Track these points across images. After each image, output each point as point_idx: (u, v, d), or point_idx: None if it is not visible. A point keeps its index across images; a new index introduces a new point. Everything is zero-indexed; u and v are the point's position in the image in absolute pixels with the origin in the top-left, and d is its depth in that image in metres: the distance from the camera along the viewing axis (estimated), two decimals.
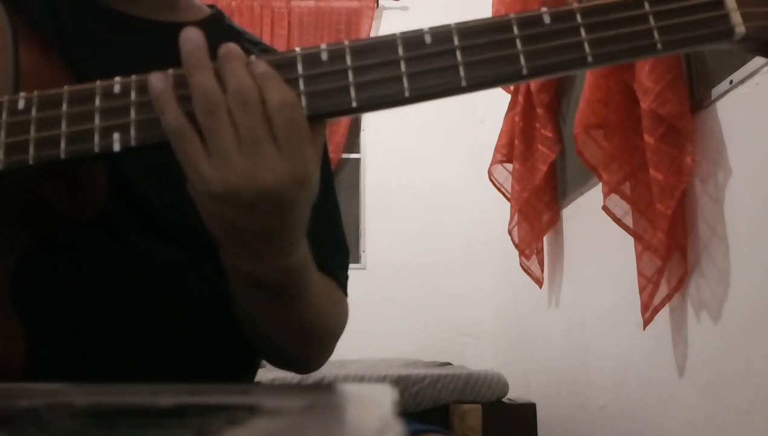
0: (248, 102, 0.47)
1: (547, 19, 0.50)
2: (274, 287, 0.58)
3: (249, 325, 0.66)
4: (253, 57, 0.49)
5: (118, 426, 0.26)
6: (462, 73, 0.49)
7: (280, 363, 0.74)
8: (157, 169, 0.64)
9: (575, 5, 0.50)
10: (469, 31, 0.50)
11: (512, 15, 0.50)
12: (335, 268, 0.72)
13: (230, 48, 0.49)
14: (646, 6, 0.50)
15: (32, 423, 0.26)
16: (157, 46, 0.69)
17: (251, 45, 0.76)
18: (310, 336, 0.68)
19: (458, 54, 0.49)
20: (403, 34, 0.50)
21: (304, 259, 0.57)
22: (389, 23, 3.59)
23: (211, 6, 0.79)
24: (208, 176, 0.47)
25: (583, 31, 0.49)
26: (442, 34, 0.50)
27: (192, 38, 0.48)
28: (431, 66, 0.49)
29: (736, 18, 0.49)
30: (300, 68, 0.49)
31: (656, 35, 0.49)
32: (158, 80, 0.48)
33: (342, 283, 0.74)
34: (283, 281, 0.57)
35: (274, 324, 0.64)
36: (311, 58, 0.50)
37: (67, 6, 0.68)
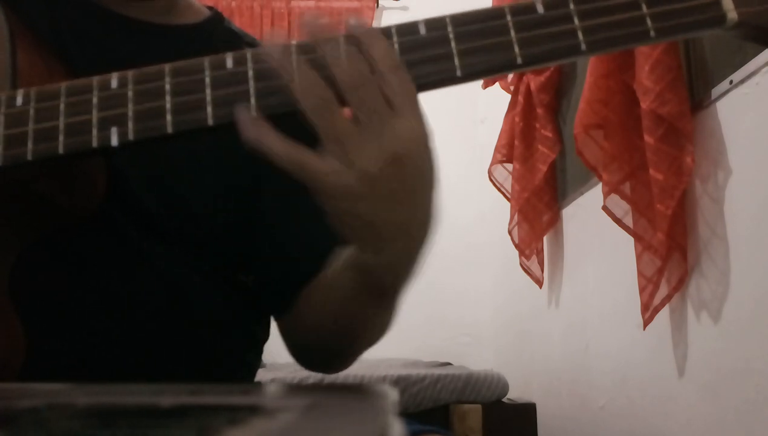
0: (368, 79, 0.47)
1: (540, 8, 0.50)
2: (391, 295, 0.58)
3: (326, 327, 0.65)
4: (248, 51, 0.50)
5: (119, 426, 0.26)
6: (456, 61, 0.49)
7: (321, 365, 0.74)
8: (153, 168, 0.64)
9: None
10: (463, 20, 0.50)
11: (506, 5, 0.50)
12: None
13: (329, 30, 0.48)
14: None
15: (33, 423, 0.26)
16: (156, 48, 0.69)
17: (250, 47, 0.76)
18: (377, 338, 0.68)
19: (452, 42, 0.49)
20: (398, 24, 0.50)
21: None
22: (389, 23, 3.58)
23: (210, 7, 0.79)
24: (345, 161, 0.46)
25: (576, 19, 0.50)
26: (436, 23, 0.50)
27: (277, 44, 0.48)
28: (425, 54, 0.49)
29: (728, 4, 0.50)
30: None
31: (649, 22, 0.50)
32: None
33: None
34: (399, 292, 0.58)
35: (363, 328, 0.64)
36: (307, 49, 0.50)
37: (65, 8, 0.68)
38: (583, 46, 0.49)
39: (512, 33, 0.49)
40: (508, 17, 0.50)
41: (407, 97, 0.47)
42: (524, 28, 0.49)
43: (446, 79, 0.49)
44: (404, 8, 3.65)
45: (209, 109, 0.48)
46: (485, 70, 0.50)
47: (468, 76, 0.49)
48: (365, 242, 0.51)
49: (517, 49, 0.49)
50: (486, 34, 0.49)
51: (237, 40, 0.76)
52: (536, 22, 0.50)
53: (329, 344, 0.68)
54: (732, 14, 0.50)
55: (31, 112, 0.49)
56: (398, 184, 0.48)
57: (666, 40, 0.52)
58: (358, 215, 0.49)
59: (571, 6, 0.50)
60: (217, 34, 0.75)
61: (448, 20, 0.50)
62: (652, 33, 0.50)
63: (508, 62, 0.50)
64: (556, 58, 0.51)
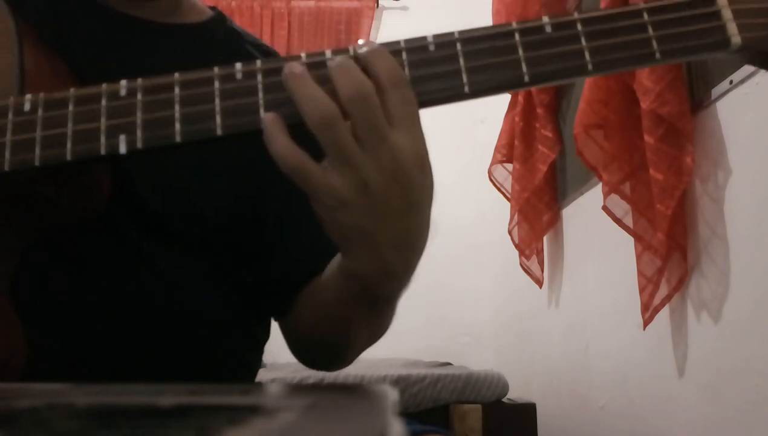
0: (367, 95, 0.47)
1: (548, 28, 0.50)
2: (386, 302, 0.58)
3: (325, 329, 0.66)
4: (259, 61, 0.50)
5: (119, 426, 0.26)
6: (464, 78, 0.49)
7: (321, 365, 0.74)
8: (159, 170, 0.64)
9: (576, 14, 0.51)
10: (472, 38, 0.50)
11: (514, 23, 0.51)
12: None
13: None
14: (645, 16, 0.51)
15: (33, 423, 0.26)
16: (161, 48, 0.69)
17: (252, 47, 0.76)
18: (375, 338, 0.69)
19: (461, 59, 0.50)
20: (406, 39, 0.50)
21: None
22: (389, 23, 3.59)
23: (212, 7, 0.79)
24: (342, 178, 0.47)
25: (583, 40, 0.50)
26: (444, 40, 0.50)
27: (291, 64, 0.48)
28: (434, 70, 0.50)
29: (732, 28, 0.50)
30: None
31: (655, 45, 0.50)
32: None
33: None
34: (393, 298, 0.58)
35: (357, 331, 0.64)
36: (316, 62, 0.50)
37: (70, 8, 0.68)
38: (590, 67, 0.50)
39: (520, 52, 0.50)
40: (517, 36, 0.50)
41: (408, 115, 0.47)
42: (532, 48, 0.50)
43: (454, 95, 0.50)
44: (404, 8, 3.64)
45: (218, 119, 0.48)
46: (493, 88, 0.50)
47: (475, 93, 0.50)
48: (358, 252, 0.52)
49: (524, 68, 0.50)
50: (494, 52, 0.50)
51: (239, 40, 0.76)
52: (544, 42, 0.50)
53: (327, 344, 0.68)
54: (736, 39, 0.50)
55: (39, 118, 0.49)
56: (394, 199, 0.48)
57: (671, 62, 0.53)
58: (351, 226, 0.49)
59: (579, 27, 0.50)
60: (220, 33, 0.75)
61: (456, 38, 0.50)
62: (657, 55, 0.50)
63: (515, 80, 0.50)
64: (563, 78, 0.51)
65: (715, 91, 1.36)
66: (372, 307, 0.59)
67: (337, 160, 0.47)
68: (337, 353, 0.70)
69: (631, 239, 1.57)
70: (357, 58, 0.48)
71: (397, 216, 0.49)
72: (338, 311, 0.62)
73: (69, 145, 0.48)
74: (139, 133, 0.48)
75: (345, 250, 0.53)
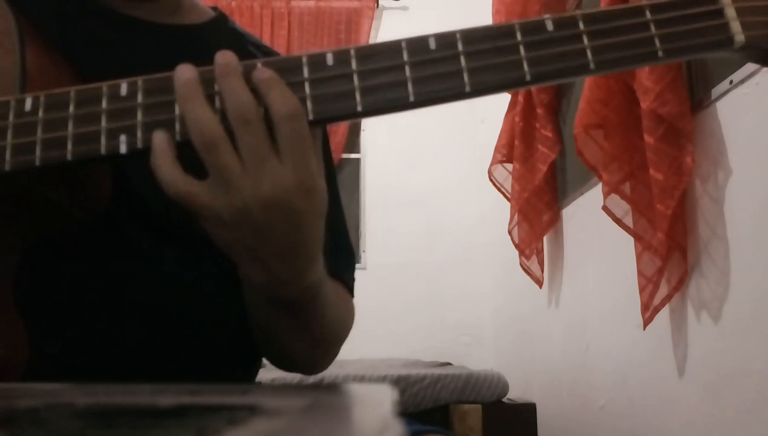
0: (250, 120, 0.47)
1: (549, 26, 0.50)
2: (291, 304, 0.58)
3: (260, 333, 0.66)
4: (258, 62, 0.49)
5: (118, 426, 0.26)
6: (466, 78, 0.49)
7: (286, 367, 0.74)
8: None
9: (577, 12, 0.50)
10: (473, 37, 0.50)
11: (515, 22, 0.50)
12: (342, 270, 0.72)
13: (226, 60, 0.49)
14: (648, 14, 0.50)
15: (33, 423, 0.26)
16: (162, 48, 0.69)
17: (254, 47, 0.76)
18: (320, 343, 0.69)
19: (462, 59, 0.49)
20: (408, 39, 0.50)
21: (321, 275, 0.57)
22: (389, 23, 3.59)
23: (213, 8, 0.79)
24: (224, 199, 0.47)
25: (585, 39, 0.50)
26: (446, 39, 0.50)
27: (183, 73, 0.48)
28: (436, 71, 0.49)
29: (736, 27, 0.50)
30: (306, 72, 0.49)
31: (657, 43, 0.50)
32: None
33: (349, 285, 0.74)
34: (300, 299, 0.58)
35: (287, 335, 0.64)
36: (317, 62, 0.50)
37: (71, 8, 0.68)
38: (592, 66, 0.50)
39: (522, 51, 0.50)
40: (518, 36, 0.50)
41: (296, 148, 0.47)
42: (534, 47, 0.50)
43: (455, 95, 0.50)
44: (404, 8, 3.65)
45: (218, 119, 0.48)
46: (494, 87, 0.50)
47: (477, 93, 0.50)
48: (243, 263, 0.53)
49: (526, 68, 0.49)
50: (496, 52, 0.50)
51: (242, 41, 0.76)
52: (546, 41, 0.50)
53: (275, 345, 0.69)
54: (739, 37, 0.50)
55: (40, 119, 0.49)
56: (275, 222, 0.49)
57: (673, 61, 0.52)
58: (233, 243, 0.50)
59: (581, 26, 0.50)
60: (222, 34, 0.75)
61: (458, 36, 0.50)
62: (660, 54, 0.50)
63: (517, 80, 0.50)
64: (565, 77, 0.51)
65: (715, 91, 1.36)
66: (289, 311, 0.59)
67: (217, 182, 0.47)
68: (286, 354, 0.70)
69: (631, 239, 1.57)
70: (250, 85, 0.48)
71: (280, 237, 0.50)
72: (262, 316, 0.62)
73: (69, 146, 0.48)
74: (139, 133, 0.48)
75: (233, 259, 0.53)
